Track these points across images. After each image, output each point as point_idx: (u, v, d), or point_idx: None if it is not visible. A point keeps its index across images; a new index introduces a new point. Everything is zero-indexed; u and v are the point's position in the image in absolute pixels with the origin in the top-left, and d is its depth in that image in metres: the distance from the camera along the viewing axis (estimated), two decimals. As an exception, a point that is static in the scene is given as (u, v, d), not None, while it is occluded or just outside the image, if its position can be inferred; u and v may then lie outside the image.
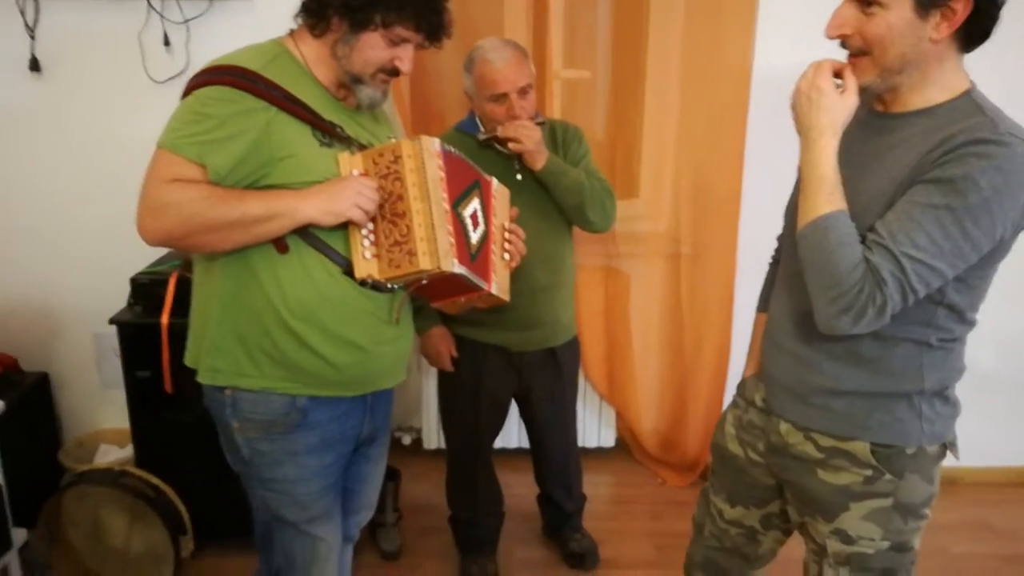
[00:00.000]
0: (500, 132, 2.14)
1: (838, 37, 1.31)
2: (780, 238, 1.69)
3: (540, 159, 2.14)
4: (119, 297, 2.53)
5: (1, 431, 2.37)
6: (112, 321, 2.48)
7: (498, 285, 1.72)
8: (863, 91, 1.33)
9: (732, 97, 2.83)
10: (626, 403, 3.21)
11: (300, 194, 1.50)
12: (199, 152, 1.44)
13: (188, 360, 1.68)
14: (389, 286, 1.61)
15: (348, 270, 1.57)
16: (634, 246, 3.08)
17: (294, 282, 1.55)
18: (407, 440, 3.33)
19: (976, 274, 1.33)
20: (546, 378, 2.41)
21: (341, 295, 1.58)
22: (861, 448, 1.43)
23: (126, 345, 2.49)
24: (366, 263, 1.57)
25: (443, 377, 2.48)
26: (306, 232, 1.53)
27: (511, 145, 2.13)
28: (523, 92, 2.15)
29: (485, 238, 1.70)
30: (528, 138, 2.11)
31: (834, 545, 1.48)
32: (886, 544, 1.45)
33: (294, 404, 1.61)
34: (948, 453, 1.48)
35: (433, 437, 3.25)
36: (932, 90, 1.31)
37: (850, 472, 1.44)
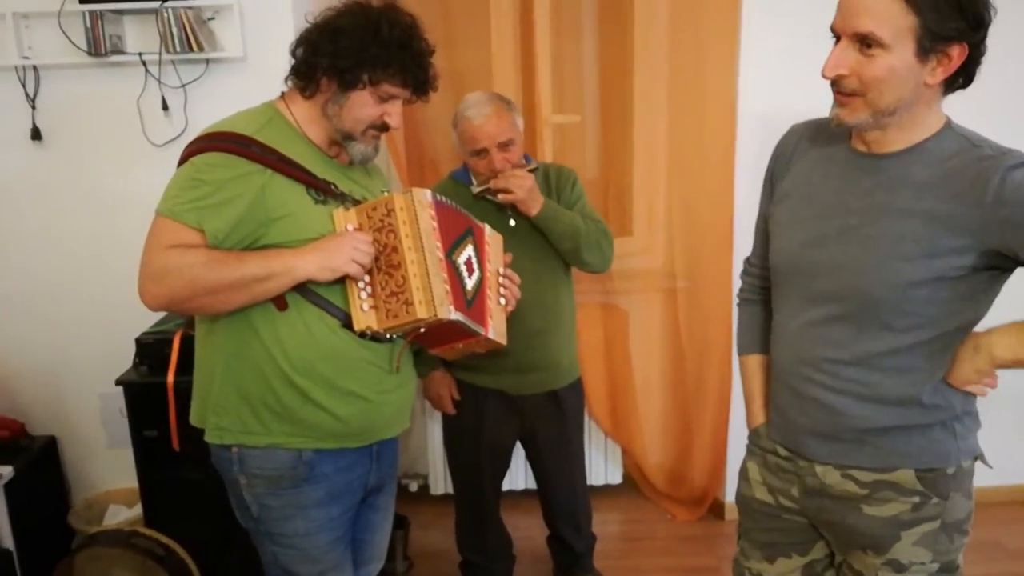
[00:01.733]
0: (492, 184, 2.18)
1: (835, 78, 1.31)
2: (753, 276, 1.67)
3: (535, 206, 2.18)
4: (124, 358, 2.56)
5: (10, 496, 2.38)
6: (119, 382, 2.51)
7: (495, 330, 1.76)
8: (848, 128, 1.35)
9: (719, 132, 2.87)
10: (631, 439, 3.22)
11: (297, 252, 1.54)
12: (197, 217, 1.49)
13: (194, 419, 1.71)
14: (388, 336, 1.64)
15: (347, 323, 1.60)
16: (631, 282, 3.12)
17: (294, 338, 1.58)
18: (414, 487, 3.33)
19: (993, 289, 1.36)
20: (550, 421, 2.43)
21: (341, 348, 1.61)
22: (906, 476, 1.41)
23: (133, 405, 2.51)
24: (364, 315, 1.60)
25: (446, 421, 2.51)
26: (304, 288, 1.56)
27: (501, 196, 2.17)
28: (503, 146, 2.18)
29: (480, 284, 1.74)
30: (519, 187, 2.14)
31: (885, 575, 1.46)
32: (936, 566, 1.44)
33: (300, 458, 1.63)
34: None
35: (440, 482, 3.25)
36: (917, 130, 1.33)
37: (898, 502, 1.42)
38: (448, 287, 1.61)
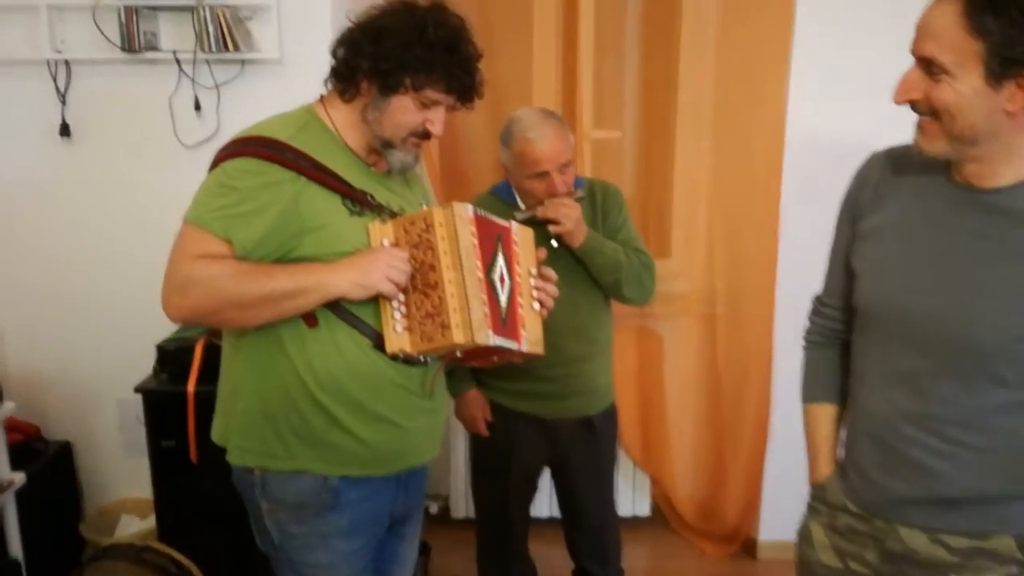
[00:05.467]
0: (540, 212, 2.08)
1: (906, 102, 1.23)
2: (827, 318, 1.54)
3: (579, 237, 2.09)
4: (145, 364, 2.49)
5: (21, 503, 2.31)
6: (138, 389, 2.44)
7: (529, 340, 1.64)
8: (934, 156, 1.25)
9: (765, 153, 2.78)
10: (662, 470, 3.11)
11: (329, 268, 1.45)
12: (225, 227, 1.40)
13: (216, 437, 1.62)
14: (422, 359, 1.54)
15: (379, 343, 1.51)
16: (667, 306, 3.00)
17: (323, 357, 1.49)
18: (435, 508, 3.23)
19: None
20: (582, 448, 2.32)
21: (371, 369, 1.52)
22: (1005, 544, 1.29)
23: (151, 413, 2.44)
24: (397, 336, 1.51)
25: (475, 442, 2.41)
26: (336, 305, 1.48)
27: (551, 228, 2.07)
28: (564, 168, 2.09)
29: (511, 293, 1.62)
30: (567, 218, 2.05)
31: None
32: None
33: (325, 484, 1.54)
34: None
35: (462, 505, 3.15)
36: (1022, 162, 1.22)
37: (994, 572, 1.30)
38: (487, 309, 1.51)
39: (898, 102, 1.23)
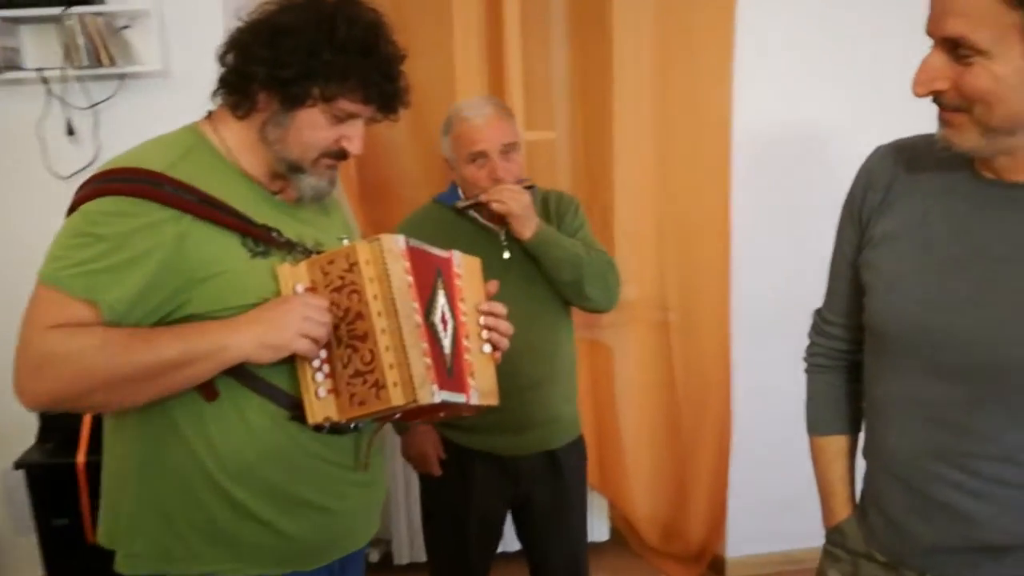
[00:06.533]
0: (483, 196, 1.89)
1: (930, 94, 1.02)
2: (831, 337, 1.35)
3: (529, 226, 1.88)
4: (26, 434, 2.16)
5: None
6: (19, 464, 2.11)
7: (479, 391, 1.38)
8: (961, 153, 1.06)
9: (712, 148, 2.64)
10: (619, 490, 2.91)
11: (228, 325, 1.17)
12: (87, 286, 1.11)
13: (102, 538, 1.32)
14: (352, 426, 1.28)
15: (297, 413, 1.24)
16: (616, 314, 2.75)
17: (229, 436, 1.21)
18: (375, 556, 2.95)
19: None
20: (546, 486, 2.09)
21: (289, 445, 1.25)
22: None
23: (37, 489, 2.15)
24: (320, 403, 1.23)
25: (425, 484, 2.16)
26: (240, 371, 1.20)
27: (495, 206, 1.87)
28: (506, 152, 1.92)
29: (455, 336, 1.36)
30: (515, 200, 1.85)
31: None
32: None
33: (238, 590, 1.25)
34: None
35: (405, 549, 2.89)
36: None
37: None
38: (429, 360, 1.25)
39: (919, 95, 1.02)
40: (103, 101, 2.34)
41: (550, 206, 2.05)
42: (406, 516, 2.87)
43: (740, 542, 2.91)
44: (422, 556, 2.88)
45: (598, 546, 3.01)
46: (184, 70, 2.35)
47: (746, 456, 2.81)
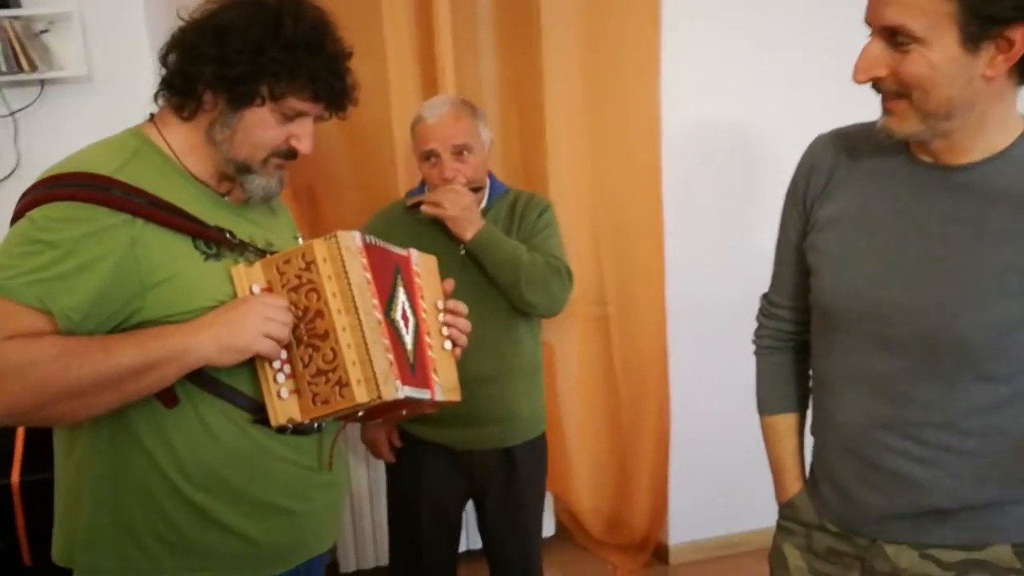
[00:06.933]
0: (426, 197, 1.93)
1: (870, 80, 1.09)
2: (778, 319, 1.40)
3: (468, 228, 1.89)
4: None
5: None
6: (-55, 488, 2.00)
7: (443, 387, 1.40)
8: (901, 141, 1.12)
9: (642, 145, 2.68)
10: (564, 484, 2.93)
11: (187, 329, 1.15)
12: (40, 294, 1.08)
13: (57, 557, 1.27)
14: (315, 426, 1.27)
15: (260, 415, 1.22)
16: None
17: (191, 442, 1.19)
18: (321, 564, 2.90)
19: None
20: (500, 483, 2.10)
21: (253, 448, 1.23)
22: (1003, 553, 1.17)
23: (-34, 514, 2.01)
24: (283, 404, 1.22)
25: (389, 476, 2.20)
26: (200, 375, 1.18)
27: (425, 208, 1.90)
28: (458, 152, 1.95)
29: (417, 333, 1.38)
30: (453, 203, 1.87)
31: None
32: None
33: (204, 598, 1.23)
34: None
35: (352, 557, 2.86)
36: (995, 133, 1.11)
37: None
38: (392, 356, 1.25)
39: (859, 81, 1.08)
40: (24, 108, 2.23)
41: (517, 206, 2.06)
42: (351, 522, 2.83)
43: (682, 529, 2.97)
44: (368, 563, 2.87)
45: (544, 542, 3.03)
46: (107, 74, 2.24)
47: (685, 446, 2.88)
